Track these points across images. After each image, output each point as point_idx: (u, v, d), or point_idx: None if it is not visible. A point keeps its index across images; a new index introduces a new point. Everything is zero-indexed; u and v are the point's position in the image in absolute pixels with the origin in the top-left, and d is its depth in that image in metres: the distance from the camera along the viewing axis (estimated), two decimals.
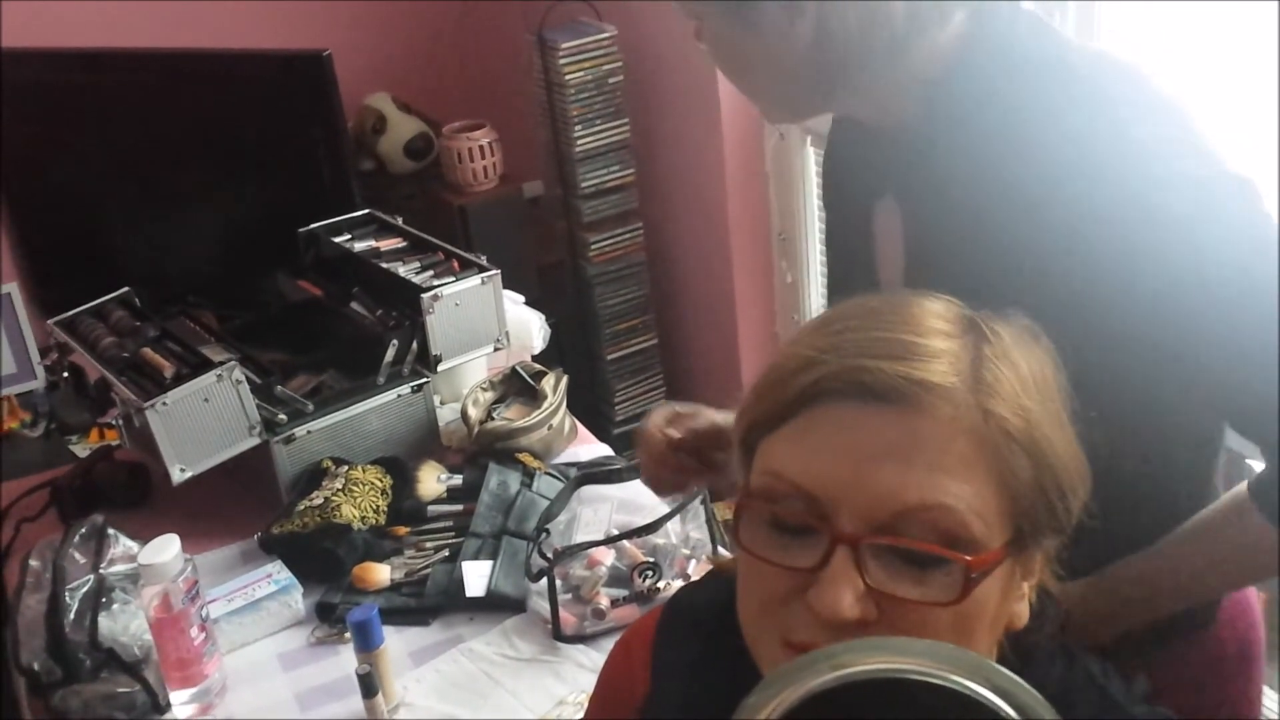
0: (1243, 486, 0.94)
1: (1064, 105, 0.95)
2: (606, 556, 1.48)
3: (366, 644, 1.33)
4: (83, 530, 1.52)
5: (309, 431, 1.69)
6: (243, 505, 1.69)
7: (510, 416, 1.81)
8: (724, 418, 1.21)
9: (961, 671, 0.50)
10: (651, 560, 1.46)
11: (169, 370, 1.64)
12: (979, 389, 0.67)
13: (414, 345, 1.77)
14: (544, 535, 1.52)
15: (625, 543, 1.48)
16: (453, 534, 1.61)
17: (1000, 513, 0.66)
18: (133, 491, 1.76)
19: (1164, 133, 0.93)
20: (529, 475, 1.69)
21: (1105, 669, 0.77)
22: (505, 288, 1.86)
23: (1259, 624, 1.20)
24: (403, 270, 1.85)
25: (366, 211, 2.02)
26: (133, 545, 1.52)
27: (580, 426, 1.90)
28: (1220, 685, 1.13)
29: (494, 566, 1.52)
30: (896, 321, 0.69)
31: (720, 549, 1.50)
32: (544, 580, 1.43)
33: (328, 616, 1.50)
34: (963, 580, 0.65)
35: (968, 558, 0.64)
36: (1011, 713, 0.49)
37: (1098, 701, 0.74)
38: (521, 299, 2.07)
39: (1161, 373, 0.93)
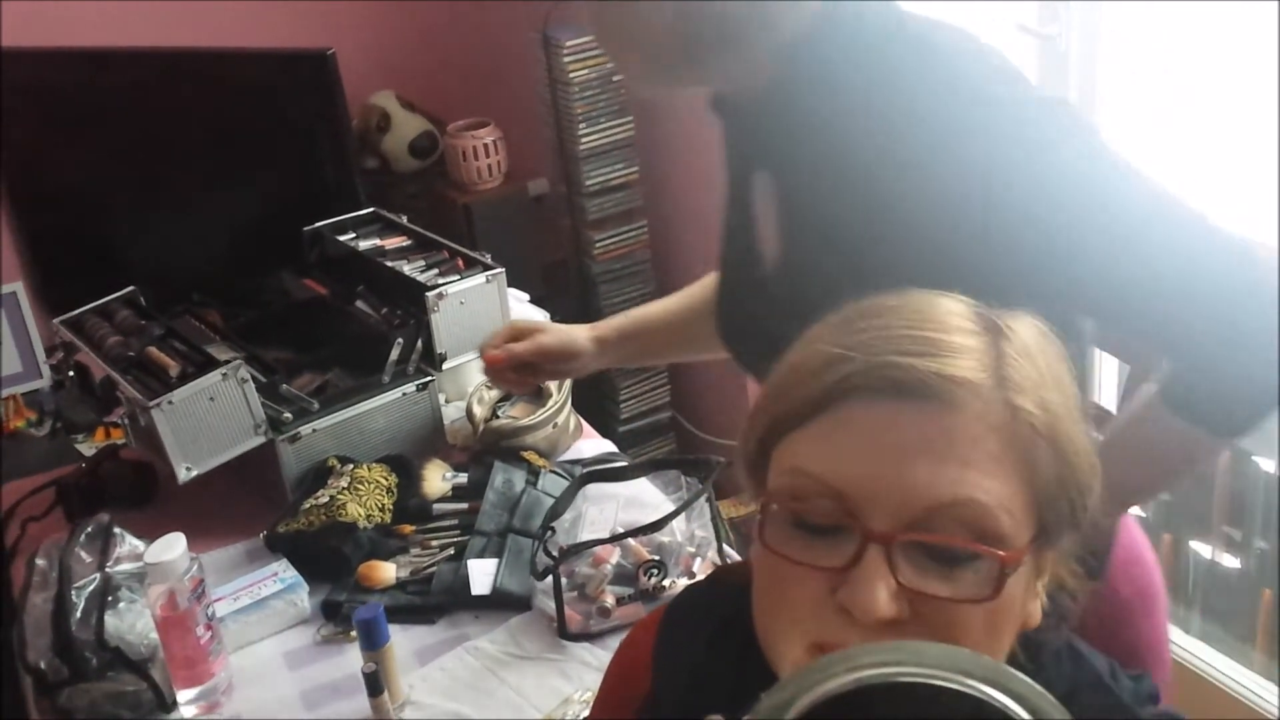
0: (1154, 389, 1.01)
1: (904, 61, 1.04)
2: (612, 554, 1.48)
3: (372, 642, 1.33)
4: (89, 529, 1.52)
5: (314, 430, 1.69)
6: (248, 504, 1.69)
7: (515, 415, 1.81)
8: (560, 337, 1.46)
9: (978, 677, 0.50)
10: (657, 558, 1.46)
11: (174, 369, 1.64)
12: (1005, 385, 0.67)
13: (419, 343, 1.77)
14: (549, 533, 1.52)
15: (630, 541, 1.48)
16: (458, 532, 1.61)
17: (1026, 509, 0.66)
18: (138, 490, 1.77)
19: (987, 68, 1.03)
20: (534, 473, 1.69)
21: (1113, 669, 0.77)
22: (510, 286, 1.86)
23: (1154, 568, 1.25)
24: (407, 268, 1.85)
25: (371, 210, 2.02)
26: (139, 544, 1.52)
27: (585, 424, 1.90)
28: (1118, 632, 1.17)
29: (499, 565, 1.52)
30: (919, 319, 0.68)
31: (725, 546, 1.50)
32: (549, 578, 1.43)
33: (333, 615, 1.50)
34: (996, 577, 0.64)
35: (1001, 553, 0.64)
36: (1027, 718, 0.49)
37: (1105, 702, 0.74)
38: (526, 297, 2.07)
39: (1038, 287, 0.95)
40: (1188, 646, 2.20)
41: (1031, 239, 0.98)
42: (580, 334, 1.48)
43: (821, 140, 1.08)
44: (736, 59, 1.10)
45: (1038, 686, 0.50)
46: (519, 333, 1.48)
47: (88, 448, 1.97)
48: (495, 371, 1.48)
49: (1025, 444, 0.66)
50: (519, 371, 1.47)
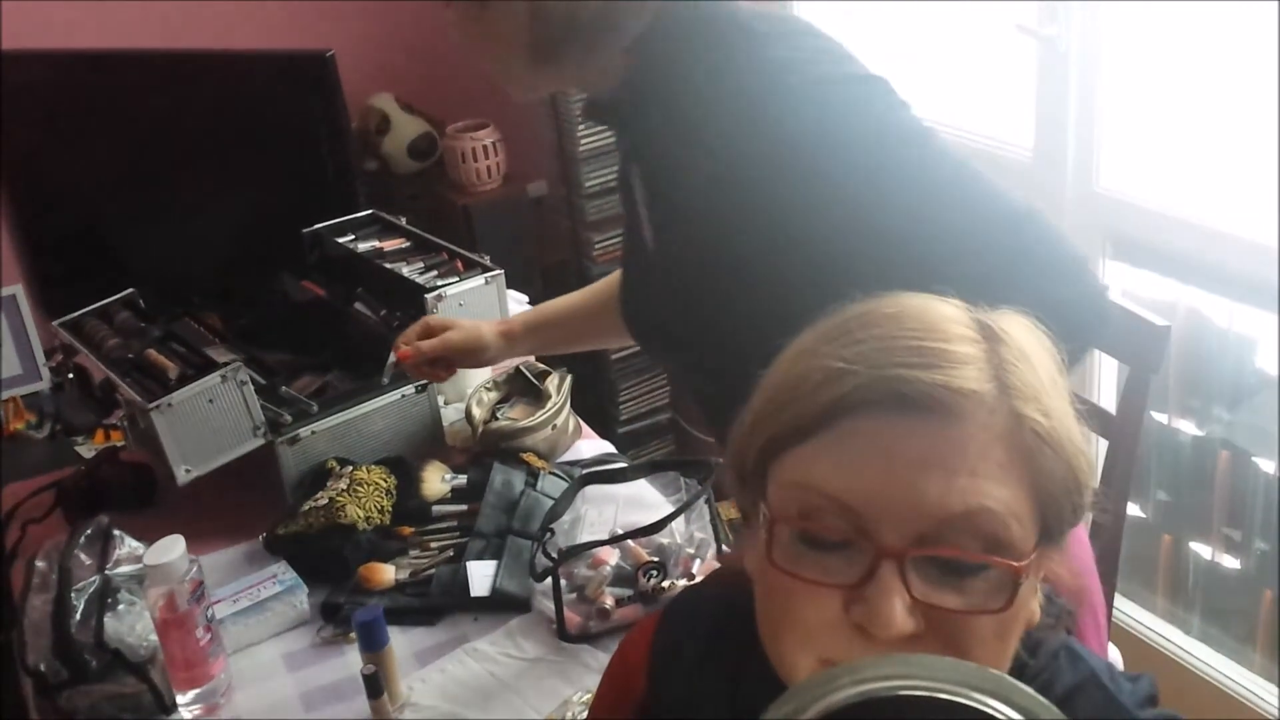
0: None
1: (736, 49, 1.12)
2: (611, 556, 1.48)
3: (372, 644, 1.33)
4: (88, 531, 1.52)
5: (313, 432, 1.69)
6: (248, 506, 1.69)
7: (514, 416, 1.81)
8: (466, 333, 1.57)
9: (983, 690, 0.50)
10: (656, 560, 1.46)
11: (173, 371, 1.64)
12: (1008, 393, 0.67)
13: None
14: (548, 535, 1.52)
15: (630, 542, 1.48)
16: (457, 534, 1.61)
17: (1031, 514, 0.66)
18: (138, 492, 1.77)
19: (812, 50, 1.11)
20: (533, 475, 1.69)
21: (1111, 670, 0.77)
22: (509, 287, 1.86)
23: (1090, 571, 1.29)
24: (406, 270, 1.85)
25: (370, 212, 2.02)
26: (138, 546, 1.52)
27: (584, 425, 1.90)
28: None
29: (499, 566, 1.52)
30: (920, 328, 0.68)
31: (725, 548, 1.50)
32: (549, 580, 1.43)
33: (333, 617, 1.50)
34: (1008, 586, 0.65)
35: (1016, 564, 0.64)
36: None
37: (1103, 703, 0.74)
38: (525, 299, 2.07)
39: (878, 250, 1.06)
40: (1187, 647, 2.20)
41: (867, 203, 1.06)
42: (487, 329, 1.60)
43: (670, 132, 1.16)
44: (588, 61, 1.18)
45: (1042, 699, 0.50)
46: (430, 330, 1.59)
47: (87, 450, 1.97)
48: (409, 365, 1.59)
49: (1030, 450, 0.66)
50: (432, 365, 1.59)
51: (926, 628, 0.64)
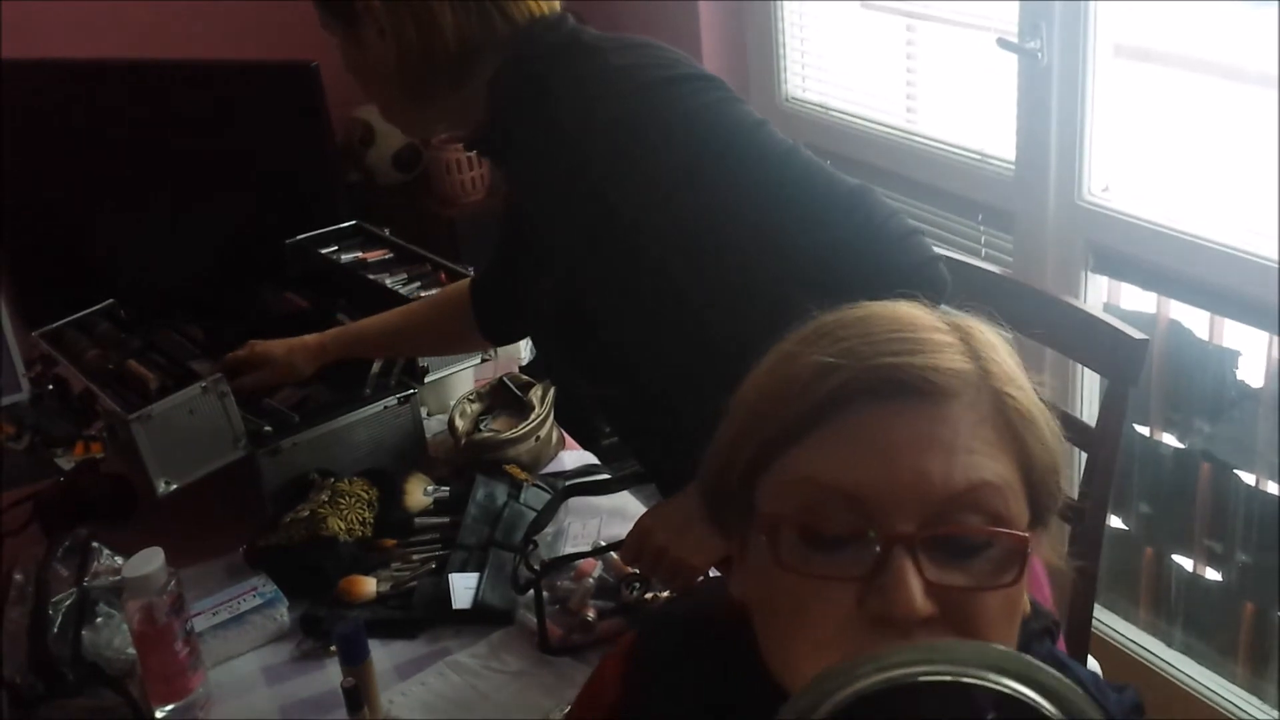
0: None
1: (580, 68, 1.20)
2: (594, 568, 1.48)
3: (352, 657, 1.32)
4: (66, 544, 1.51)
5: (295, 444, 1.68)
6: (228, 518, 1.68)
7: (497, 428, 1.81)
8: (278, 372, 1.69)
9: (1009, 673, 0.50)
10: (639, 572, 1.45)
11: (153, 382, 1.63)
12: (988, 375, 0.69)
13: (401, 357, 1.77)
14: (531, 547, 1.52)
15: (613, 554, 1.47)
16: (439, 546, 1.60)
17: (1023, 492, 0.68)
18: (117, 505, 1.75)
19: (640, 57, 1.20)
20: (516, 487, 1.68)
21: (1096, 680, 0.77)
22: None
23: (1043, 584, 1.32)
24: (390, 282, 1.85)
25: (353, 223, 2.02)
26: (117, 559, 1.51)
27: (567, 437, 1.89)
28: None
29: (481, 579, 1.52)
30: (894, 323, 0.70)
31: None
32: (531, 592, 1.42)
33: (313, 630, 1.49)
34: (1017, 559, 0.66)
35: (1023, 534, 0.66)
36: (1059, 715, 0.49)
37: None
38: None
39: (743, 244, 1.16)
40: (1170, 660, 2.20)
41: (720, 185, 1.15)
42: (301, 360, 1.69)
43: (528, 155, 1.25)
44: (455, 95, 1.28)
45: (1069, 682, 0.50)
46: (244, 366, 1.69)
47: (66, 462, 1.95)
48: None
49: (1014, 429, 0.68)
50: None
51: (940, 612, 0.64)
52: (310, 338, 1.70)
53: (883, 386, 0.66)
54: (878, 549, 0.64)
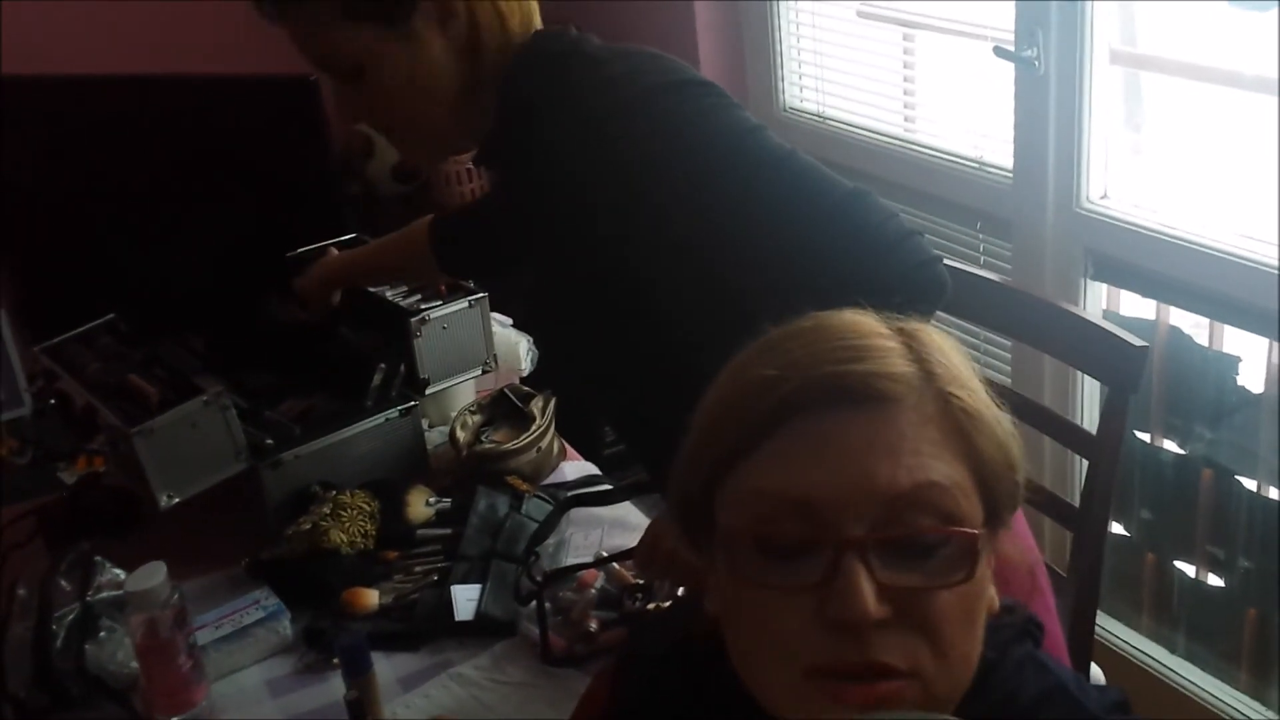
0: None
1: (579, 76, 1.21)
2: (596, 579, 1.48)
3: (355, 670, 1.32)
4: (69, 558, 1.51)
5: (297, 456, 1.69)
6: (230, 531, 1.68)
7: (499, 439, 1.81)
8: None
9: None
10: (641, 582, 1.46)
11: (155, 396, 1.63)
12: (932, 377, 0.70)
13: (402, 369, 1.77)
14: (533, 558, 1.52)
15: (615, 565, 1.48)
16: (441, 558, 1.60)
17: (974, 490, 0.69)
18: (120, 518, 1.75)
19: (635, 65, 1.21)
20: (518, 498, 1.69)
21: (1078, 680, 0.77)
22: (492, 310, 1.86)
23: (1045, 590, 1.32)
24: (390, 294, 1.85)
25: (354, 235, 2.02)
26: (119, 573, 1.51)
27: (569, 447, 1.90)
28: None
29: (483, 590, 1.52)
30: (839, 332, 0.71)
31: None
32: (533, 603, 1.42)
33: (316, 642, 1.49)
34: (968, 557, 0.67)
35: (972, 531, 0.67)
36: None
37: (1071, 712, 0.74)
38: (509, 321, 2.07)
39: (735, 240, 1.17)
40: (1173, 665, 2.20)
41: (717, 189, 1.16)
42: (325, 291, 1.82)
43: (535, 163, 1.25)
44: (476, 105, 1.29)
45: None
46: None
47: (69, 476, 1.96)
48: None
49: (962, 429, 0.69)
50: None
51: (895, 614, 0.65)
52: (312, 276, 1.83)
53: (827, 395, 0.68)
54: (830, 554, 0.65)
